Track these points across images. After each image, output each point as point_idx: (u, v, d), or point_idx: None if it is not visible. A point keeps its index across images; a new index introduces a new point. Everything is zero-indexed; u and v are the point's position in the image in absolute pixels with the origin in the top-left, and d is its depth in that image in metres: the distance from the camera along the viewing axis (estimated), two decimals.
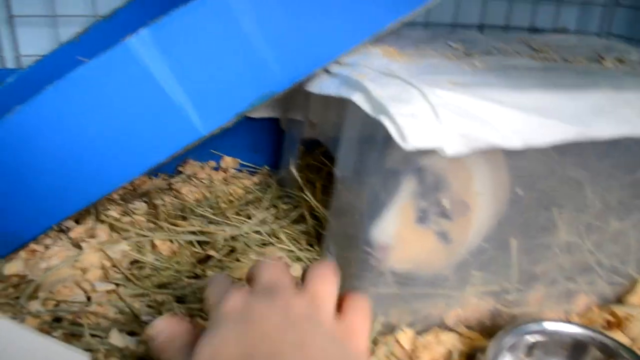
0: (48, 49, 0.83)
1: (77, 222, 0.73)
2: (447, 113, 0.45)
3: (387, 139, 0.49)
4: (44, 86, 0.57)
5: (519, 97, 0.51)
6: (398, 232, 0.53)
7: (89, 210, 0.74)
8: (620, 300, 0.63)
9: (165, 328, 0.43)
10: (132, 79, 0.58)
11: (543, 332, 0.53)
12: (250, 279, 0.44)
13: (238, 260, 0.67)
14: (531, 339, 0.53)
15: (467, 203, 0.54)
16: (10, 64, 0.86)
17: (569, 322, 0.54)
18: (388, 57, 0.62)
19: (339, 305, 0.42)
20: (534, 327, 0.53)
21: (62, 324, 0.57)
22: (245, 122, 0.90)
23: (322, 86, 0.59)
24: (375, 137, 0.51)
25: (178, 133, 0.61)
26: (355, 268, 0.56)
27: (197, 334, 0.41)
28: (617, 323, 0.59)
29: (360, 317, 0.41)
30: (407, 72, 0.55)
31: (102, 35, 0.83)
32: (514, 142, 0.48)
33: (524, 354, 0.53)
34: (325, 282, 0.42)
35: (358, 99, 0.50)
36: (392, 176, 0.53)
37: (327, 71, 0.62)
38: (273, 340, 0.36)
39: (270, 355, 0.35)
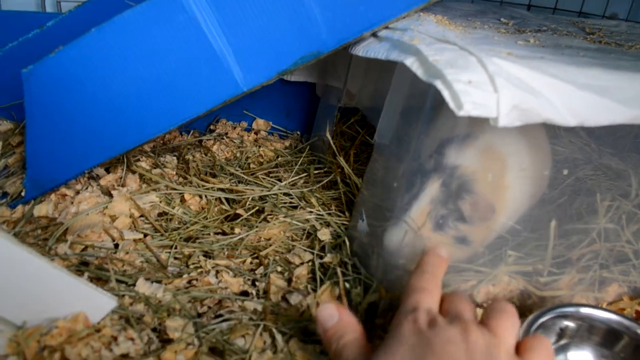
0: None
1: (108, 170, 0.73)
2: (504, 83, 0.44)
3: (435, 107, 0.48)
4: (86, 30, 0.56)
5: (576, 73, 0.49)
6: (411, 240, 0.53)
7: (121, 160, 0.73)
8: None
9: (336, 315, 0.44)
10: (178, 27, 0.56)
11: (577, 316, 0.52)
12: (442, 303, 0.45)
13: (266, 220, 0.67)
14: (565, 321, 0.52)
15: (492, 205, 0.53)
16: (50, 7, 0.85)
17: (604, 309, 0.52)
18: (442, 25, 0.60)
19: (519, 347, 0.41)
20: (569, 310, 0.52)
21: (88, 268, 0.57)
22: (279, 86, 0.89)
23: (370, 49, 0.58)
24: (422, 105, 0.50)
25: (219, 86, 0.60)
26: (390, 239, 0.55)
27: (364, 333, 0.44)
28: None
29: (543, 359, 0.40)
30: (462, 40, 0.53)
31: None
32: (569, 119, 0.47)
33: (556, 336, 0.52)
34: (507, 318, 0.42)
35: (411, 62, 0.49)
36: (436, 148, 0.52)
37: (375, 35, 0.60)
38: None
39: None
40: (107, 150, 0.62)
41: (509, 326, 0.41)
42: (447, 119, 0.50)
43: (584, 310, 0.52)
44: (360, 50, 0.60)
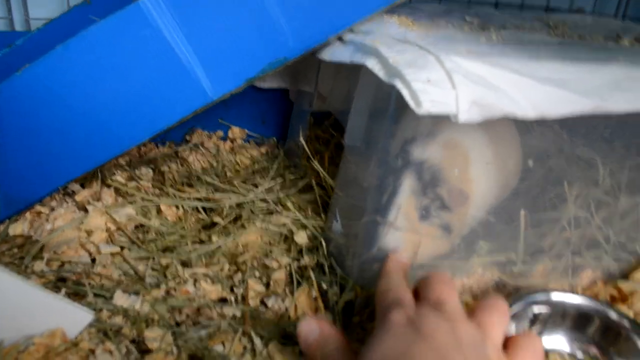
0: (58, 12, 0.82)
1: (83, 186, 0.73)
2: (462, 80, 0.45)
3: (399, 107, 0.49)
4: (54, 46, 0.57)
5: (536, 67, 0.51)
6: (405, 235, 0.53)
7: (95, 175, 0.73)
8: (625, 276, 0.63)
9: (316, 328, 0.44)
10: (143, 41, 0.57)
11: (549, 303, 0.53)
12: (418, 290, 0.45)
13: (243, 226, 0.67)
14: (536, 309, 0.53)
15: (465, 192, 0.54)
16: (18, 26, 0.85)
17: (575, 293, 0.53)
18: (404, 26, 0.61)
19: (508, 343, 0.41)
20: (540, 297, 0.53)
21: (66, 284, 0.58)
22: (254, 93, 0.90)
23: (335, 53, 0.58)
24: (387, 106, 0.51)
25: (188, 97, 0.60)
26: (361, 237, 0.55)
27: (346, 340, 0.44)
28: (622, 298, 0.59)
29: (532, 357, 0.40)
30: (423, 40, 0.55)
31: None
32: (529, 112, 0.48)
33: (528, 323, 0.53)
34: (495, 314, 0.42)
35: (372, 64, 0.49)
36: (401, 146, 0.53)
37: (340, 39, 0.61)
38: (441, 356, 0.36)
39: None
40: (80, 166, 0.62)
41: (498, 322, 0.41)
42: (410, 118, 0.51)
43: (555, 296, 0.53)
44: (326, 55, 0.61)
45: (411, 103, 0.43)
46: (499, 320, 0.42)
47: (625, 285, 0.60)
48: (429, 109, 0.43)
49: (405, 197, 0.53)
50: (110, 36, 0.56)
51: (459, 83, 0.44)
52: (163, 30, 0.57)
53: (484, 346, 0.39)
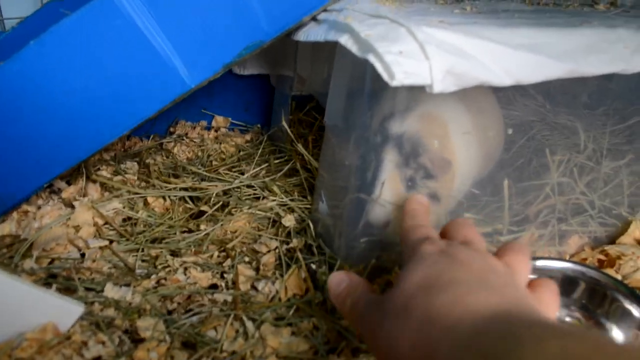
0: (31, 10, 0.81)
1: (69, 183, 0.73)
2: (435, 50, 0.45)
3: (375, 83, 0.49)
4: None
5: (509, 34, 0.51)
6: (394, 209, 0.54)
7: (80, 171, 0.73)
8: (612, 241, 0.64)
9: (346, 278, 0.46)
10: (116, 31, 0.56)
11: (534, 270, 0.53)
12: (444, 235, 0.46)
13: (231, 213, 0.67)
14: None
15: (447, 160, 0.54)
16: None
17: (560, 259, 0.54)
18: (377, 1, 0.60)
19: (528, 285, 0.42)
20: None
21: (56, 280, 0.58)
22: (235, 81, 0.90)
23: (310, 33, 0.58)
24: (363, 83, 0.51)
25: (166, 86, 0.60)
26: (347, 215, 0.56)
27: (372, 286, 0.45)
28: (610, 262, 0.60)
29: (550, 295, 0.41)
30: (395, 14, 0.54)
31: None
32: (504, 79, 0.48)
33: None
34: (520, 255, 0.42)
35: (345, 40, 0.49)
36: (380, 122, 0.53)
37: (315, 19, 0.61)
38: (480, 274, 0.37)
39: (479, 283, 0.36)
40: (63, 162, 0.62)
41: (524, 262, 0.42)
42: (387, 93, 0.51)
43: (539, 263, 0.53)
44: (301, 36, 0.60)
45: (384, 76, 0.43)
46: (524, 260, 0.42)
47: (612, 250, 0.61)
48: (402, 80, 0.42)
49: (389, 171, 0.53)
50: (82, 29, 0.56)
51: (432, 53, 0.44)
52: (135, 19, 0.56)
53: (513, 279, 0.39)
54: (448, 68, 0.45)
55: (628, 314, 0.50)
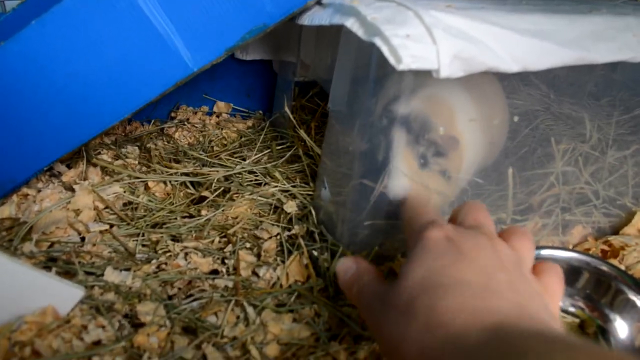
0: None
1: (69, 166, 0.72)
2: (442, 34, 0.44)
3: (381, 67, 0.48)
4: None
5: (517, 20, 0.50)
6: (411, 184, 0.53)
7: (81, 155, 0.72)
8: (616, 231, 0.63)
9: (353, 265, 0.46)
10: (119, 12, 0.56)
11: (538, 259, 0.53)
12: (453, 218, 0.46)
13: (232, 199, 0.67)
14: None
15: (455, 137, 0.54)
16: None
17: (565, 248, 0.53)
18: None
19: (533, 270, 0.41)
20: None
21: (56, 264, 0.57)
22: (238, 66, 0.89)
23: (315, 17, 0.57)
24: (369, 67, 0.50)
25: (168, 68, 0.59)
26: (350, 201, 0.55)
27: (380, 272, 0.44)
28: (613, 253, 0.60)
29: (556, 281, 0.41)
30: None
31: None
32: (511, 65, 0.47)
33: None
34: (526, 240, 0.42)
35: (351, 23, 0.49)
36: (385, 105, 0.52)
37: (319, 3, 0.60)
38: (486, 274, 0.36)
39: (485, 286, 0.35)
40: (63, 146, 0.62)
41: (529, 247, 0.42)
42: (393, 77, 0.50)
43: (545, 252, 0.53)
44: (306, 20, 0.59)
45: (391, 59, 0.42)
46: (530, 245, 0.42)
47: (616, 241, 0.61)
48: (409, 64, 0.42)
49: (402, 150, 0.53)
50: (84, 8, 0.55)
51: (440, 37, 0.44)
52: (139, 0, 0.56)
53: (521, 266, 0.39)
54: (455, 53, 0.44)
55: (632, 305, 0.50)
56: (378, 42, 0.44)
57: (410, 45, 0.43)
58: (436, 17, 0.45)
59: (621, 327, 0.51)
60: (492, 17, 0.48)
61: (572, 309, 0.53)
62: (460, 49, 0.44)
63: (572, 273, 0.53)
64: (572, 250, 0.53)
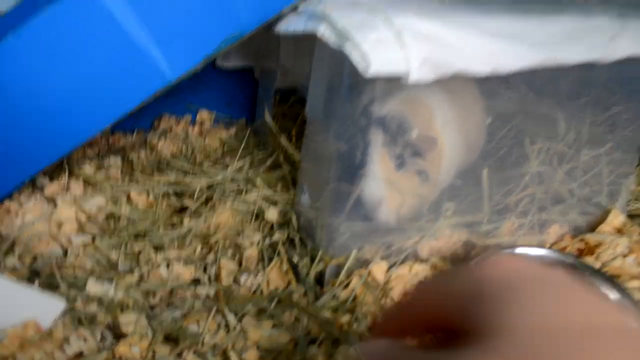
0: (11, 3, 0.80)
1: (51, 179, 0.73)
2: (412, 38, 0.45)
3: (355, 72, 0.49)
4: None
5: (487, 23, 0.51)
6: (386, 185, 0.54)
7: (63, 167, 0.73)
8: (592, 229, 0.64)
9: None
10: (94, 23, 0.56)
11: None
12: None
13: (214, 207, 0.67)
14: None
15: (433, 137, 0.54)
16: None
17: (538, 247, 0.54)
18: None
19: None
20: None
21: (39, 277, 0.57)
22: (220, 75, 0.89)
23: (290, 24, 0.58)
24: (343, 72, 0.51)
25: (146, 79, 0.59)
26: (328, 206, 0.56)
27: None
28: (589, 250, 0.60)
29: None
30: (375, 1, 0.54)
31: None
32: (482, 67, 0.48)
33: None
34: None
35: (323, 30, 0.49)
36: (362, 108, 0.53)
37: (295, 9, 0.61)
38: None
39: None
40: (43, 159, 0.61)
41: None
42: (367, 81, 0.51)
43: (519, 251, 0.54)
44: (281, 27, 0.60)
45: (361, 65, 0.43)
46: None
47: (591, 238, 0.62)
48: (378, 69, 0.43)
49: (378, 152, 0.53)
50: (60, 21, 0.55)
51: (409, 42, 0.44)
52: (114, 11, 0.56)
53: None
54: (425, 56, 0.45)
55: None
56: (348, 47, 0.45)
57: (379, 50, 0.44)
58: (406, 22, 0.46)
59: None
60: (462, 20, 0.49)
61: None
62: (430, 53, 0.45)
63: None
64: (545, 248, 0.54)
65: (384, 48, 0.44)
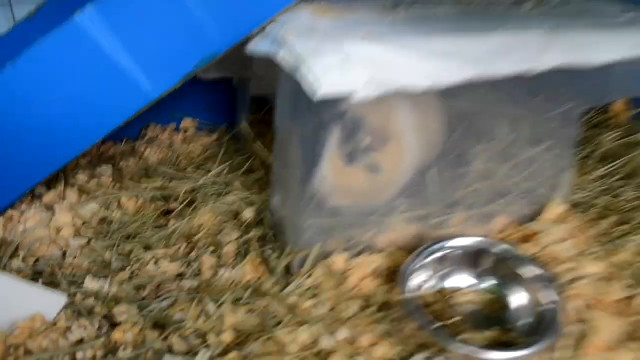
0: (4, 29, 0.86)
1: (49, 188, 0.80)
2: (358, 61, 0.52)
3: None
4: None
5: (427, 43, 0.58)
6: (334, 179, 0.61)
7: (59, 177, 0.80)
8: (534, 219, 0.72)
9: None
10: (84, 53, 0.63)
11: (452, 247, 0.62)
12: None
13: (197, 209, 0.74)
14: (441, 253, 0.63)
15: (383, 132, 0.61)
16: None
17: (468, 236, 0.63)
18: (317, 14, 0.67)
19: None
20: (437, 245, 0.63)
21: (42, 276, 0.65)
22: (203, 84, 0.96)
23: (257, 46, 0.65)
24: (303, 89, 0.58)
25: (130, 99, 0.67)
26: (297, 205, 0.63)
27: None
28: (531, 237, 0.68)
29: None
30: (331, 27, 0.61)
31: (57, 9, 0.87)
32: (422, 83, 0.55)
33: (437, 266, 0.63)
34: None
35: (282, 56, 0.56)
36: (318, 124, 0.60)
37: (263, 31, 0.68)
38: None
39: None
40: (42, 171, 0.69)
41: None
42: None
43: (450, 243, 0.63)
44: (251, 48, 0.67)
45: (311, 88, 0.50)
46: None
47: (533, 226, 0.69)
48: (326, 92, 0.50)
49: (330, 151, 0.60)
50: (53, 52, 0.62)
51: (355, 64, 0.51)
52: (100, 41, 0.63)
53: None
54: (370, 76, 0.52)
55: (528, 278, 0.61)
56: (301, 73, 0.52)
57: (328, 74, 0.51)
58: (353, 47, 0.53)
59: (521, 297, 0.61)
60: (404, 42, 0.56)
61: (483, 285, 0.62)
62: (374, 73, 0.52)
63: (480, 256, 0.62)
64: (475, 237, 0.63)
65: (333, 72, 0.51)
